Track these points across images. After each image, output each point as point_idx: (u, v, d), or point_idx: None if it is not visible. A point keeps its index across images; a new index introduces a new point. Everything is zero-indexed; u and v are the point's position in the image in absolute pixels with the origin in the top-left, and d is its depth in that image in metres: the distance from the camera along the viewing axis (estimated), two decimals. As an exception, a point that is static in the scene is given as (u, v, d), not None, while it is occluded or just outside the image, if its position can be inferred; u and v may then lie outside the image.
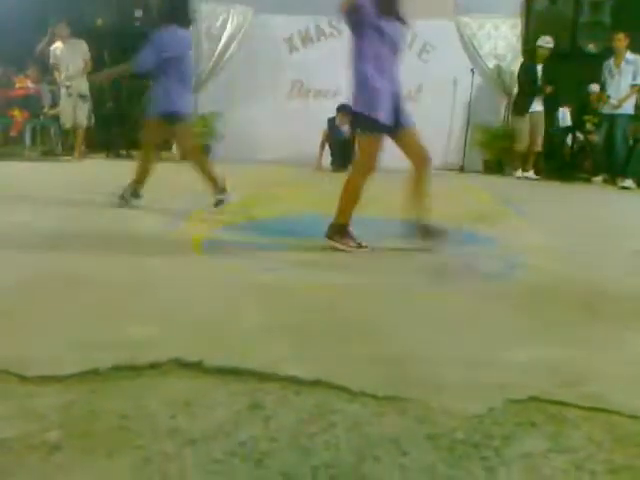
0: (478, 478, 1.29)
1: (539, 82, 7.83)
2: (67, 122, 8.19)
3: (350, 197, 3.33)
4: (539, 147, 8.02)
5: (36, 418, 1.44)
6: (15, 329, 2.01)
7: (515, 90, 8.40)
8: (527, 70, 7.94)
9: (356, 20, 3.14)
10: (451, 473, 1.30)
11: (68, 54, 7.98)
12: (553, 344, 2.07)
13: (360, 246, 3.35)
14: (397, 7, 3.25)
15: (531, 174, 7.97)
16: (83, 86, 8.18)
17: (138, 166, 4.52)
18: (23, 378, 1.63)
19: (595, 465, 1.35)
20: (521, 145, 8.04)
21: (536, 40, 7.98)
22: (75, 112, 8.19)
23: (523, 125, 7.99)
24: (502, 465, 1.34)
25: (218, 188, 4.40)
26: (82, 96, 8.15)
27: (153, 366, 1.72)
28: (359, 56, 3.22)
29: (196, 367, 1.73)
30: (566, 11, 8.77)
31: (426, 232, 3.39)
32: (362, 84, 3.22)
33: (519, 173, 8.06)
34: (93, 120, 8.57)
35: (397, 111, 3.29)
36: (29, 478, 1.23)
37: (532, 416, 1.55)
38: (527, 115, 7.95)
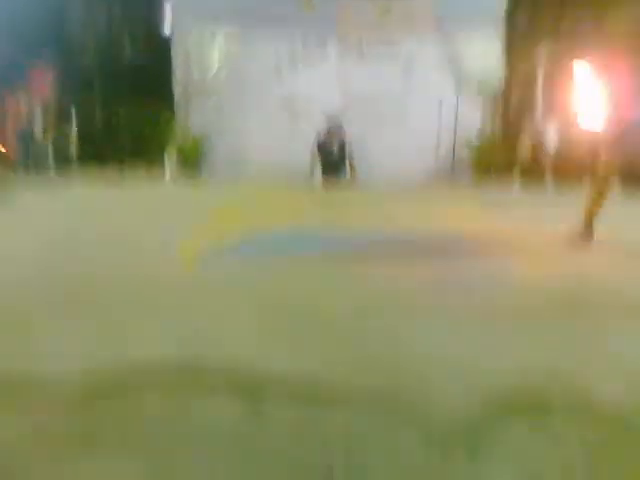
0: (464, 468, 1.37)
1: None
2: None
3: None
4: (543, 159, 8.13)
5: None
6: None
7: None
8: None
9: None
10: (439, 465, 1.38)
11: None
12: (537, 341, 2.16)
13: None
14: None
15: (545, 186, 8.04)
16: None
17: None
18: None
19: (576, 452, 1.43)
20: (522, 157, 8.17)
21: (517, 55, 8.17)
22: None
23: (525, 138, 8.14)
24: (487, 455, 1.42)
25: None
26: None
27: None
28: None
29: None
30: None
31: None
32: None
33: (514, 184, 8.15)
34: None
35: None
36: None
37: (516, 409, 1.64)
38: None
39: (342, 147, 8.15)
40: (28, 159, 8.64)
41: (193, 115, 8.82)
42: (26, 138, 8.45)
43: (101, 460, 1.37)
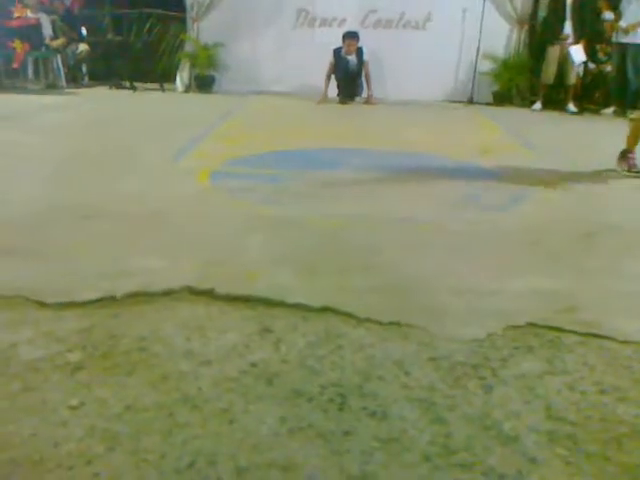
0: (475, 396, 1.37)
1: (567, 11, 7.59)
2: None
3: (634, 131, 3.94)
4: (572, 80, 7.76)
5: (59, 341, 1.52)
6: (33, 260, 2.08)
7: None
8: None
9: None
10: (450, 392, 1.38)
11: None
12: (552, 274, 2.13)
13: (630, 171, 3.88)
14: None
15: (570, 107, 7.73)
16: None
17: None
18: (43, 304, 1.71)
19: (587, 386, 1.43)
20: (547, 77, 7.81)
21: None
22: None
23: (551, 55, 7.74)
24: (499, 385, 1.42)
25: None
26: None
27: (167, 293, 1.80)
28: None
29: (207, 294, 1.81)
30: None
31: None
32: None
33: (537, 106, 7.85)
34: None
35: None
36: (55, 394, 1.32)
37: (529, 340, 1.63)
38: (557, 45, 7.68)
39: (359, 64, 7.84)
40: (39, 70, 8.50)
41: (207, 22, 8.51)
42: (37, 49, 8.30)
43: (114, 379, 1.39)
